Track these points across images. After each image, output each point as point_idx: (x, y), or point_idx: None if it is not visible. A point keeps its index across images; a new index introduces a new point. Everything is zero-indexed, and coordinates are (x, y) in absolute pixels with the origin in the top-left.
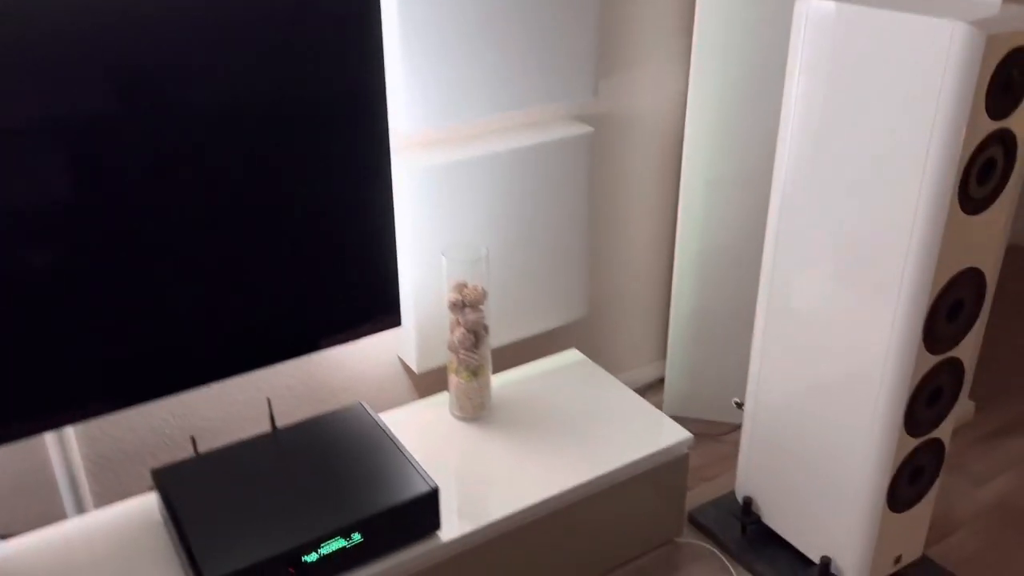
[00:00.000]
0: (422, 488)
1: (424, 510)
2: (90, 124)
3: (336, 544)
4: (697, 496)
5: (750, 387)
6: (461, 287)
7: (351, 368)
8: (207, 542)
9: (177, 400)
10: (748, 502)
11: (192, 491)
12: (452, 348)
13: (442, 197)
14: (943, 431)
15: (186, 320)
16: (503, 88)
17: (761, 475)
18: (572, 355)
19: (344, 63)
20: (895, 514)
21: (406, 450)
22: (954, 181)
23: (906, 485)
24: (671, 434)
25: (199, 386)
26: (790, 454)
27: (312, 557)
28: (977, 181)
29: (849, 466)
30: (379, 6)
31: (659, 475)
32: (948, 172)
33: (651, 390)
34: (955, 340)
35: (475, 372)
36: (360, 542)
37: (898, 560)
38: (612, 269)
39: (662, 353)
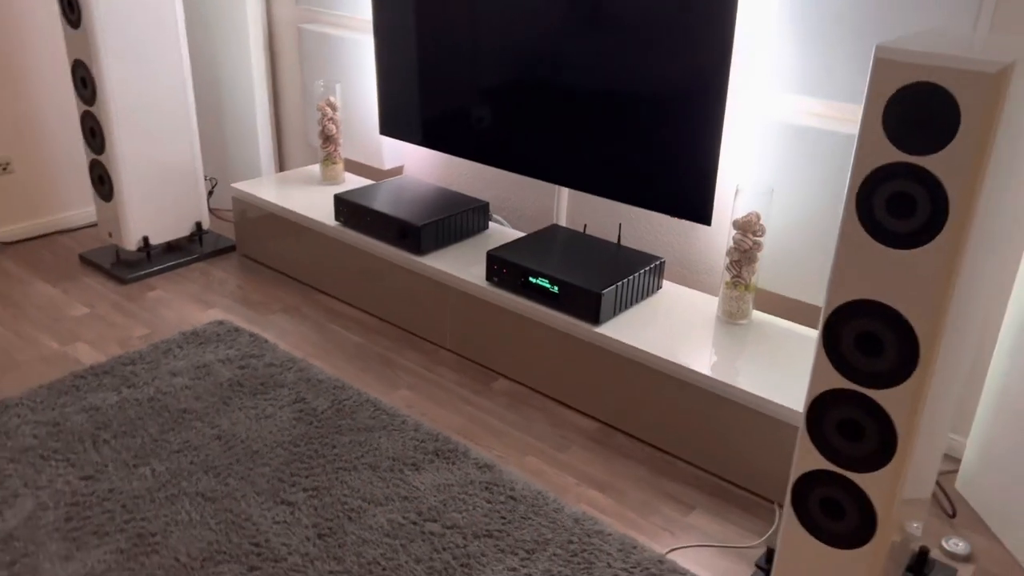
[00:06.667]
0: (596, 290)
1: (591, 305)
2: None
3: (544, 282)
4: None
5: None
6: (751, 214)
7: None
8: (512, 247)
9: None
10: None
11: (546, 241)
12: (727, 253)
13: (786, 156)
14: (874, 487)
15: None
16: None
17: None
18: None
19: (699, 41)
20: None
21: (635, 275)
22: (850, 199)
23: (819, 513)
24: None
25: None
26: None
27: (533, 280)
28: (889, 212)
29: None
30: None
31: (775, 430)
32: (850, 187)
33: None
34: (872, 379)
35: (734, 283)
36: (555, 292)
37: None
38: None
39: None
